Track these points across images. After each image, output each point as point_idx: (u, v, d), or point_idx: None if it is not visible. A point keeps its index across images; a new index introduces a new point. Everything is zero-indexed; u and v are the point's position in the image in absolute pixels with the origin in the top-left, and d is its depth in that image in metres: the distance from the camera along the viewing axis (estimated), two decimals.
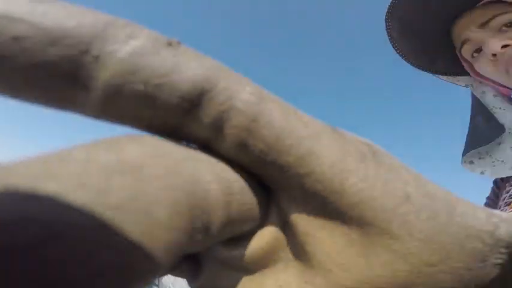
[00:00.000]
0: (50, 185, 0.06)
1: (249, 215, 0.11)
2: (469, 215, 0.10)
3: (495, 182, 0.51)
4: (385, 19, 0.45)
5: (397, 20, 0.44)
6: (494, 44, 0.39)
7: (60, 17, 0.08)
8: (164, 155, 0.08)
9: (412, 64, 0.47)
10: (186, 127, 0.09)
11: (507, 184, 0.48)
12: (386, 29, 0.46)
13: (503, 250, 0.10)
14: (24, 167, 0.07)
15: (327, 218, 0.10)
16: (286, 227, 0.11)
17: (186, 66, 0.09)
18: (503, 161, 0.45)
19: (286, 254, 0.11)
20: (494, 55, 0.40)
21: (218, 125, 0.09)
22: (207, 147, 0.10)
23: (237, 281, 0.12)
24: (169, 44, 0.09)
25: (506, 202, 0.46)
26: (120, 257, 0.07)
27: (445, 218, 0.10)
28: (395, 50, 0.47)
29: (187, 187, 0.08)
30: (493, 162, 0.46)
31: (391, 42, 0.46)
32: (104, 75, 0.08)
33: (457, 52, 0.45)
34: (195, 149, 0.10)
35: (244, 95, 0.09)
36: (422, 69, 0.48)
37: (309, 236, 0.11)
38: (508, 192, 0.47)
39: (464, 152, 0.47)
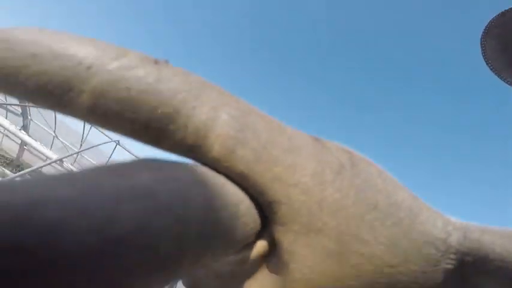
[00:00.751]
0: (51, 213, 0.06)
1: (250, 235, 0.11)
2: (429, 222, 0.11)
3: None
4: (481, 38, 0.48)
5: (495, 38, 0.47)
6: None
7: (66, 45, 0.10)
8: (175, 180, 0.09)
9: (505, 81, 0.49)
10: (168, 137, 0.10)
11: None
12: (482, 47, 0.48)
13: (452, 256, 0.11)
14: (24, 188, 0.06)
15: (310, 234, 0.11)
16: (273, 239, 0.12)
17: (169, 79, 0.10)
18: None
19: (271, 261, 0.12)
20: None
21: (201, 137, 0.10)
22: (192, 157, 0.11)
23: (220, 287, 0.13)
24: (156, 62, 0.10)
25: None
26: None
27: (407, 225, 0.11)
28: (490, 69, 0.48)
29: (197, 218, 0.09)
30: None
31: (485, 60, 0.48)
32: (93, 81, 0.10)
33: None
34: (201, 168, 0.10)
35: (224, 115, 0.10)
36: None
37: (294, 254, 0.11)
38: None
39: None
